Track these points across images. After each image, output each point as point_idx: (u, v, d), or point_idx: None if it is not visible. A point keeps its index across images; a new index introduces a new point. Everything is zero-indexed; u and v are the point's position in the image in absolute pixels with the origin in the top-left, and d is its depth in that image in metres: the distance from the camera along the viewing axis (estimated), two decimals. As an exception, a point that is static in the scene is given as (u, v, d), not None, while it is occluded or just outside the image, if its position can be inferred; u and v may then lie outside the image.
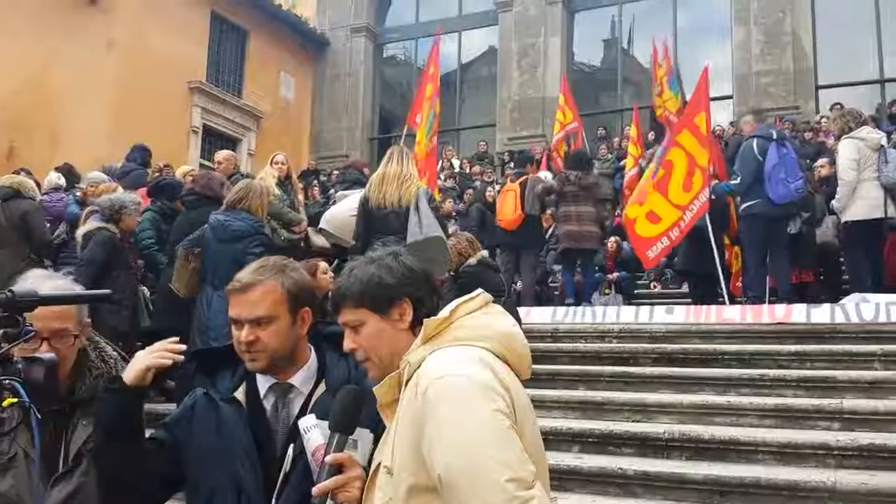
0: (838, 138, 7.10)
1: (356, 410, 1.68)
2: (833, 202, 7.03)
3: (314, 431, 1.75)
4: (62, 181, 8.11)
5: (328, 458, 1.61)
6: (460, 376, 1.47)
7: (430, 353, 1.55)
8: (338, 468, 1.62)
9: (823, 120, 12.41)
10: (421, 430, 1.46)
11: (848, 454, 4.08)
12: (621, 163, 12.08)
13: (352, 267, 1.74)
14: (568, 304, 8.05)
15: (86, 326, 2.09)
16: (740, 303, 7.40)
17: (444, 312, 1.61)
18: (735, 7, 15.68)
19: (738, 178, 7.26)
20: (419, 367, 1.54)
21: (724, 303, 7.38)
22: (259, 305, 1.90)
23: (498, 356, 1.56)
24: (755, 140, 7.18)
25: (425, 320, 1.61)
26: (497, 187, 10.65)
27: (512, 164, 12.03)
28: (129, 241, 5.86)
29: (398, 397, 1.58)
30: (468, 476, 1.38)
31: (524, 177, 8.74)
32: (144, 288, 6.19)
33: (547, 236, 10.19)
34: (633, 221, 7.83)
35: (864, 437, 4.18)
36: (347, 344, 1.71)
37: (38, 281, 2.02)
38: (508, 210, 8.48)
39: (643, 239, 7.75)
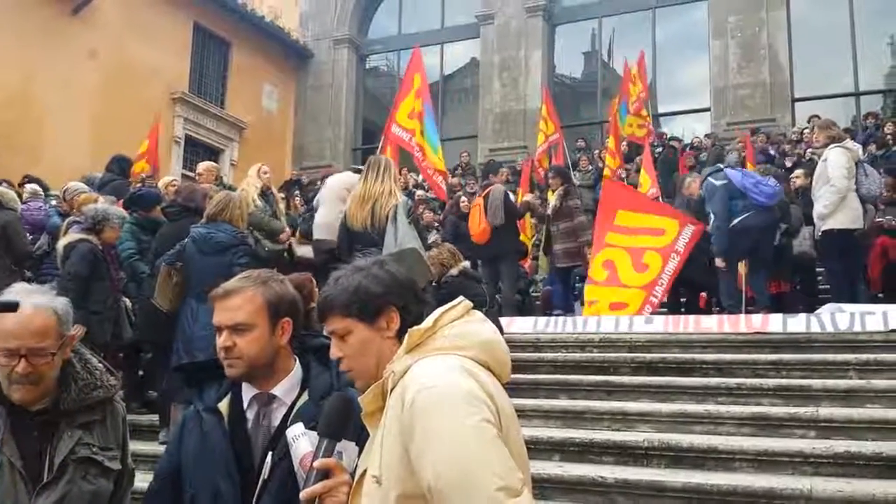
0: (825, 147, 7.19)
1: (346, 417, 1.70)
2: (821, 208, 7.02)
3: (302, 440, 1.78)
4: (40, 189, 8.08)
5: (317, 463, 1.63)
6: (445, 386, 1.48)
7: (414, 363, 1.56)
8: (325, 473, 1.63)
9: (806, 131, 12.58)
10: (408, 440, 1.47)
11: (824, 462, 4.12)
12: (602, 171, 12.16)
13: (338, 276, 1.74)
14: (557, 315, 8.07)
15: (69, 339, 2.10)
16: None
17: (428, 322, 1.62)
18: (712, 21, 15.91)
19: (712, 216, 7.30)
20: (403, 375, 1.55)
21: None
22: (237, 312, 1.95)
23: (481, 364, 1.57)
24: (710, 176, 7.51)
25: (409, 329, 1.61)
26: (474, 198, 10.62)
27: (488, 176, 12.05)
28: (109, 253, 5.83)
29: (383, 406, 1.59)
30: (458, 486, 1.39)
31: (488, 189, 8.75)
32: (127, 300, 6.15)
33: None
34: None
35: (840, 445, 4.21)
36: (334, 352, 1.72)
37: (21, 295, 2.04)
38: (475, 224, 8.45)
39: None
